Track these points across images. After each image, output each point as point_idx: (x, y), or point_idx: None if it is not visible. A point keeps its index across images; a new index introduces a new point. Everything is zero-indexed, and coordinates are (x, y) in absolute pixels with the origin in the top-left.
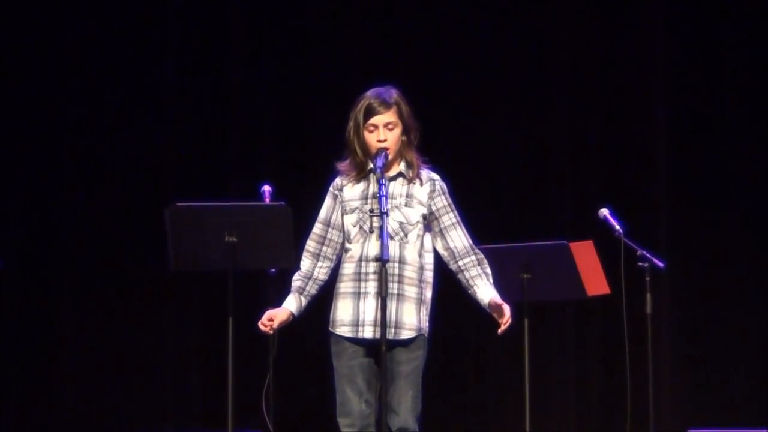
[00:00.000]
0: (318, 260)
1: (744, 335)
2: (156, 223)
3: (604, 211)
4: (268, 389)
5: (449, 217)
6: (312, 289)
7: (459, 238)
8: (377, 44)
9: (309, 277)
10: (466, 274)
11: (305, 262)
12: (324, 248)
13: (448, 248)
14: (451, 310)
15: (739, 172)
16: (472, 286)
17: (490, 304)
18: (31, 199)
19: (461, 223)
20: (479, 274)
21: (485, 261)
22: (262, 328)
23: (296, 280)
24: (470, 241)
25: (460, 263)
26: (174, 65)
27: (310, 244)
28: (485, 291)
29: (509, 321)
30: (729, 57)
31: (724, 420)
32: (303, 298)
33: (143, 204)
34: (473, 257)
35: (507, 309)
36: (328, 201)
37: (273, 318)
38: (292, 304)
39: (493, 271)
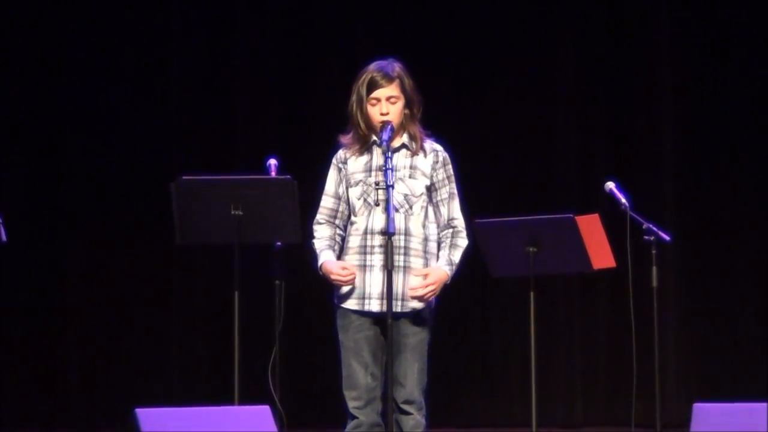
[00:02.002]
0: (334, 229)
1: (750, 308)
2: (162, 196)
3: (610, 185)
4: (274, 362)
5: (445, 190)
6: (337, 249)
7: (445, 212)
8: (382, 17)
9: (332, 238)
10: (440, 246)
11: (321, 230)
12: (336, 221)
13: (438, 220)
14: (456, 283)
15: (745, 144)
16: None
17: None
18: (38, 174)
19: (454, 195)
20: (445, 246)
21: (460, 234)
22: (348, 278)
23: (321, 241)
24: (452, 213)
25: (440, 234)
26: (180, 40)
27: (322, 218)
28: (438, 262)
29: (422, 290)
30: (737, 26)
31: (731, 393)
32: (334, 254)
33: (149, 177)
34: (449, 230)
35: (428, 282)
36: (333, 174)
37: (345, 267)
38: (333, 257)
39: (498, 244)
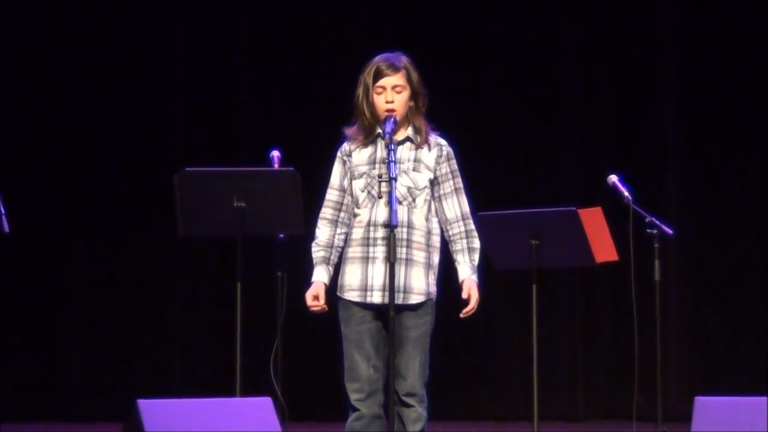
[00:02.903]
0: (336, 227)
1: (752, 302)
2: (165, 188)
3: (613, 178)
4: (276, 354)
5: (450, 185)
6: (335, 257)
7: (451, 208)
8: (387, 10)
9: (330, 245)
10: (452, 247)
11: (323, 231)
12: (341, 214)
13: (442, 215)
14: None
15: (748, 138)
16: (455, 261)
17: (461, 285)
18: (41, 167)
19: (461, 191)
20: (462, 249)
21: (473, 233)
22: (316, 309)
23: (318, 251)
24: (463, 210)
25: (449, 233)
26: (183, 31)
27: (327, 212)
28: (462, 270)
29: (472, 310)
30: (741, 21)
31: (732, 387)
32: (330, 268)
33: (152, 169)
34: (462, 229)
35: (474, 299)
36: (337, 167)
37: (318, 296)
38: (323, 276)
39: (501, 237)
